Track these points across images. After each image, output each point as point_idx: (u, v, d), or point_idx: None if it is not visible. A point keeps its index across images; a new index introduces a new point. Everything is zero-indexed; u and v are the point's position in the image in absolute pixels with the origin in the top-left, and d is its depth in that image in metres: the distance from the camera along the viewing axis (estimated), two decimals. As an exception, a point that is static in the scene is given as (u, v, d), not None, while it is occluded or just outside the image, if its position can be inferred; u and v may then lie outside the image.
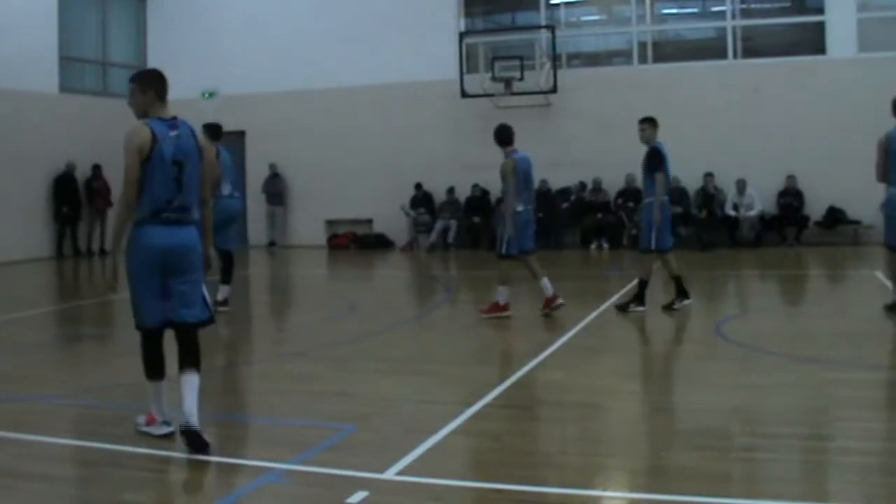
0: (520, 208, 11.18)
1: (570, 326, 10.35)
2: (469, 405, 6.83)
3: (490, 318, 11.08)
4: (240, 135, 24.37)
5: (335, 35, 23.56)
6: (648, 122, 11.32)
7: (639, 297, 11.37)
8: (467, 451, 6.04)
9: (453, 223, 22.44)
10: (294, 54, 23.76)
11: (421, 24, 22.82)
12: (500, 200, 16.58)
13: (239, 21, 24.63)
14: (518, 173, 11.11)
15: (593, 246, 21.08)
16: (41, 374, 8.96)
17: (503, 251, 11.23)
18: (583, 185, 21.70)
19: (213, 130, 11.80)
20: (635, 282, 11.68)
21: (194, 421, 5.79)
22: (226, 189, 11.86)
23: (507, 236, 11.16)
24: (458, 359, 9.18)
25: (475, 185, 22.13)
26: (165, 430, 6.13)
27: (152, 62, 25.66)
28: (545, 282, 11.30)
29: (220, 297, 12.02)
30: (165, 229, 5.90)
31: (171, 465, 5.69)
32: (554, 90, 21.59)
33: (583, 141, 21.34)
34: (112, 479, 5.50)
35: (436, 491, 5.06)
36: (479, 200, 22.29)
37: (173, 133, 5.92)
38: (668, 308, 11.36)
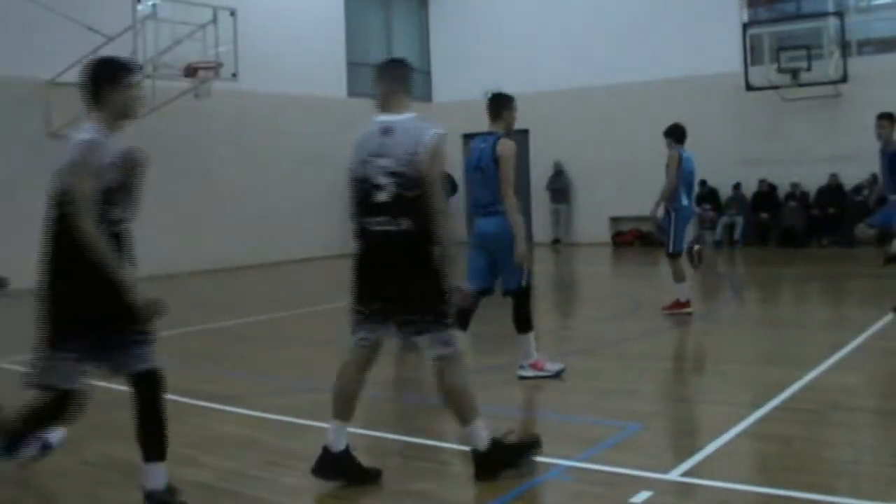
0: (685, 202, 11.47)
1: (863, 328, 9.90)
2: (757, 407, 6.71)
3: (671, 314, 11.35)
4: (523, 133, 24.77)
5: (615, 31, 23.52)
6: (888, 119, 10.68)
7: None
8: (754, 454, 5.96)
9: (739, 220, 21.90)
10: (575, 51, 23.88)
11: (702, 17, 22.38)
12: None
13: (519, 20, 25.00)
14: (683, 168, 11.37)
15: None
16: (336, 364, 9.46)
17: (671, 249, 11.50)
18: (875, 179, 20.63)
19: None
20: None
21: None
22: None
23: (674, 233, 11.49)
24: (744, 359, 9.02)
25: (762, 181, 21.52)
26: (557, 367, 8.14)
27: (435, 64, 26.56)
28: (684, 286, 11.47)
29: None
30: (480, 220, 7.79)
31: (458, 458, 5.91)
32: (844, 80, 20.63)
33: (877, 133, 20.26)
34: (402, 469, 5.80)
35: (721, 494, 5.03)
36: (767, 196, 21.66)
37: (481, 145, 7.71)
38: None
